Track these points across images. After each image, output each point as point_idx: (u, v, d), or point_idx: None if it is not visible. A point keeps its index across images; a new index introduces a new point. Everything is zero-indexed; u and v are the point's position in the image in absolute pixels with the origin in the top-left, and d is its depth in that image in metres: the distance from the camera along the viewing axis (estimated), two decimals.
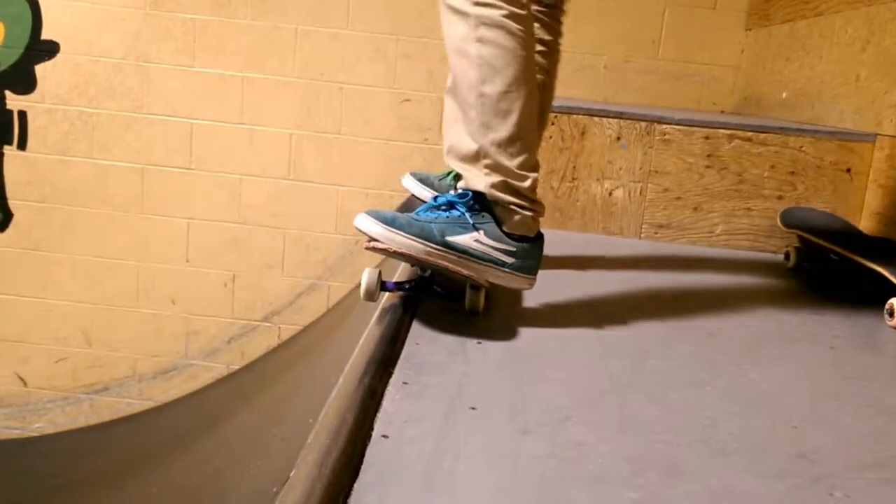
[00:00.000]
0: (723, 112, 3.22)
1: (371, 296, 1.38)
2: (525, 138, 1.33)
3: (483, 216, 1.34)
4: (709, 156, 2.25)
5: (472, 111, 1.32)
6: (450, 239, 1.31)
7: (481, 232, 1.33)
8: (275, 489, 1.12)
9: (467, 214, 1.33)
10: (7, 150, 3.40)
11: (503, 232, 1.35)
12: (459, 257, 1.32)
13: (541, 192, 2.24)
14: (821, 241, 1.95)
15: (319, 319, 3.25)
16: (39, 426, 3.41)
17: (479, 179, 1.34)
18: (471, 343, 1.33)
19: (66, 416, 3.41)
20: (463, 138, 1.35)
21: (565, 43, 3.16)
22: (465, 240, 1.32)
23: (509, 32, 1.30)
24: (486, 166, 1.33)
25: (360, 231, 1.31)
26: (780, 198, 2.25)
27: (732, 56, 3.25)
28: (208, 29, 3.30)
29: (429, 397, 1.10)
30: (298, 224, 3.36)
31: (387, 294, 1.52)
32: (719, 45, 3.25)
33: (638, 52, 3.24)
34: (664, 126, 2.25)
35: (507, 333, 1.40)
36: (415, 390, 1.13)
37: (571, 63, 3.21)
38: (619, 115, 2.27)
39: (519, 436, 1.01)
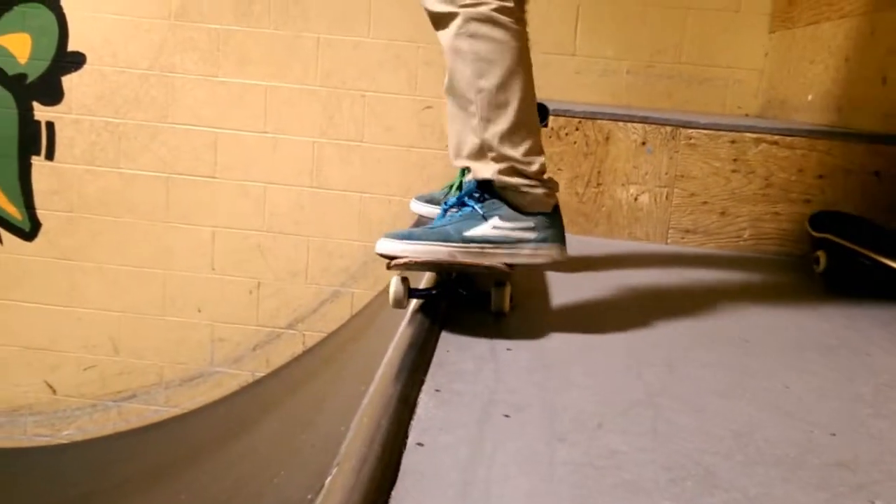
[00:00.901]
0: (747, 115, 3.19)
1: (400, 303, 1.39)
2: (527, 126, 1.35)
3: (494, 203, 1.35)
4: (735, 160, 2.23)
5: (471, 106, 1.34)
6: (467, 233, 1.32)
7: (496, 218, 1.34)
8: (309, 496, 1.12)
9: (477, 206, 1.35)
10: (35, 160, 3.45)
11: (519, 212, 1.35)
12: (482, 248, 1.32)
13: (565, 198, 2.24)
14: (851, 245, 1.92)
15: (343, 326, 3.26)
16: (68, 433, 3.44)
17: (486, 168, 1.35)
18: (501, 349, 1.33)
19: (94, 423, 3.45)
20: (466, 135, 1.37)
21: (587, 49, 3.19)
22: (483, 229, 1.33)
23: (500, 25, 1.32)
24: (493, 158, 1.34)
25: (383, 255, 1.32)
26: (807, 201, 2.23)
27: (756, 59, 3.23)
28: (232, 39, 3.33)
29: (461, 405, 1.10)
30: (321, 231, 3.38)
31: (414, 301, 1.52)
32: (742, 49, 3.22)
33: (661, 57, 3.23)
34: (690, 130, 2.24)
35: (537, 340, 1.39)
36: (447, 397, 1.13)
37: (594, 68, 3.21)
38: (644, 120, 2.26)
39: (553, 443, 1.00)
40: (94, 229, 3.45)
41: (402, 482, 0.90)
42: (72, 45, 3.40)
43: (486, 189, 1.36)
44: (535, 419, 1.07)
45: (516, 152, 1.33)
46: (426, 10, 1.37)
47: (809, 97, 2.77)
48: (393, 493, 0.88)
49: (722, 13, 3.20)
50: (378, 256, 1.32)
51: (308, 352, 3.32)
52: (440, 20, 1.34)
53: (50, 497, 2.86)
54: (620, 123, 2.27)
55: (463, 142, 1.37)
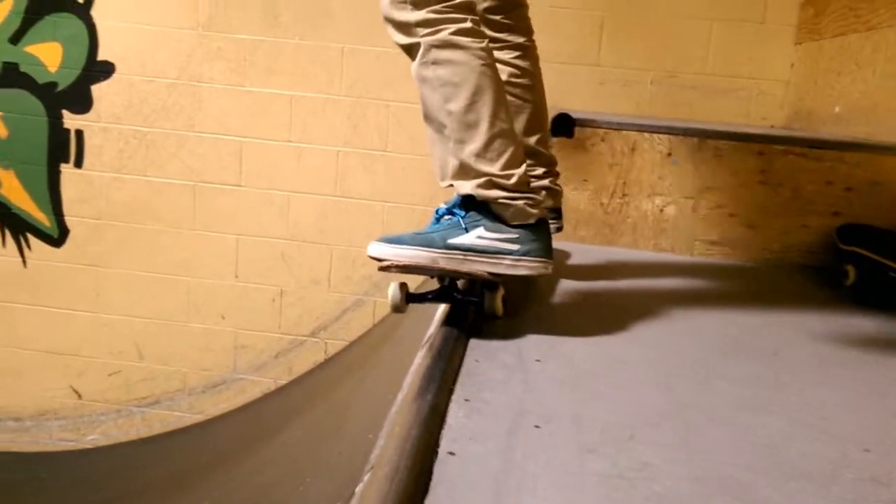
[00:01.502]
0: (772, 127, 3.17)
1: (398, 308, 1.42)
2: (501, 139, 1.37)
3: (477, 215, 1.38)
4: (762, 171, 2.22)
5: (445, 130, 1.37)
6: (451, 241, 1.36)
7: (481, 228, 1.37)
8: None
9: (464, 216, 1.38)
10: (64, 167, 3.51)
11: (502, 224, 1.38)
12: (465, 256, 1.36)
13: (590, 209, 2.24)
14: (880, 258, 1.90)
15: (366, 335, 3.27)
16: (93, 438, 3.48)
17: (466, 185, 1.38)
18: (529, 360, 1.33)
19: (118, 428, 3.48)
20: (446, 157, 1.40)
21: (611, 59, 3.19)
22: (467, 239, 1.37)
23: (460, 47, 1.35)
24: (472, 176, 1.37)
25: (372, 258, 1.36)
26: (836, 214, 2.21)
27: (782, 70, 3.21)
28: (258, 49, 3.37)
29: (491, 415, 1.10)
30: (345, 240, 3.40)
31: (441, 308, 1.53)
32: (768, 60, 3.21)
33: (685, 67, 3.22)
34: (716, 141, 2.23)
35: (564, 350, 1.39)
36: (477, 407, 1.13)
37: (617, 78, 3.21)
38: (670, 131, 2.26)
39: (584, 455, 1.00)
40: (120, 236, 3.49)
41: (435, 491, 0.91)
42: (101, 55, 3.45)
43: (469, 202, 1.39)
44: (564, 430, 1.07)
45: (493, 168, 1.36)
46: (396, 43, 1.41)
47: (837, 109, 2.75)
48: (426, 502, 0.89)
49: (747, 24, 3.19)
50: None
51: (330, 360, 3.33)
52: (409, 51, 1.39)
53: (74, 501, 2.89)
54: (646, 134, 2.26)
55: (445, 163, 1.41)
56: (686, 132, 2.26)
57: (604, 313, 1.59)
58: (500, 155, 1.37)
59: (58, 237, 3.54)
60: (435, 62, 1.35)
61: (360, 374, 2.58)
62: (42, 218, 3.53)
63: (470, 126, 1.35)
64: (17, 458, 3.34)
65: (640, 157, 2.26)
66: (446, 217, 1.41)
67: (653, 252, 2.27)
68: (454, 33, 1.34)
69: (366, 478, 1.02)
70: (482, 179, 1.36)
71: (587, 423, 1.10)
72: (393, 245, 1.35)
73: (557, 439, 1.04)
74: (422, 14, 1.34)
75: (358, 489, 1.01)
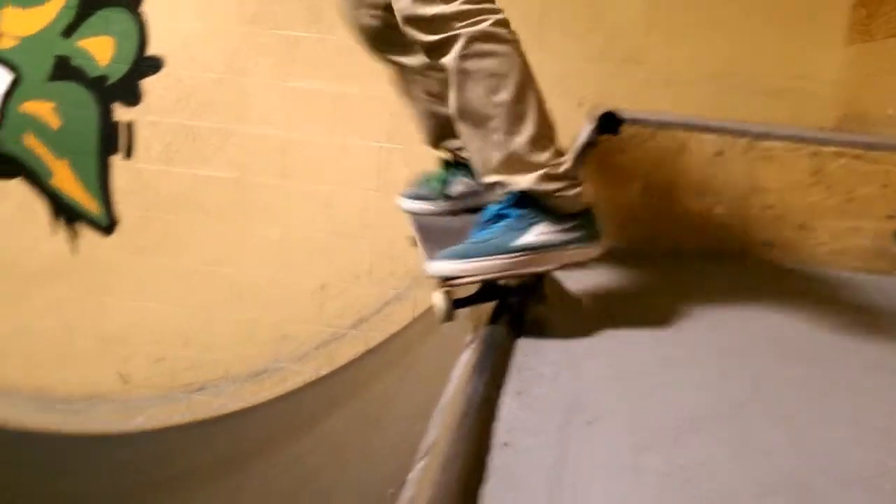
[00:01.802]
0: (822, 128, 3.11)
1: (448, 317, 1.40)
2: (547, 130, 1.37)
3: (534, 211, 1.37)
4: (815, 173, 2.18)
5: (491, 122, 1.35)
6: (516, 243, 1.35)
7: (540, 224, 1.36)
8: (391, 491, 1.14)
9: (519, 216, 1.37)
10: (114, 159, 3.59)
11: (558, 215, 1.37)
12: (534, 255, 1.36)
13: (637, 208, 2.22)
14: None
15: (406, 328, 3.29)
16: (139, 422, 3.56)
17: (521, 179, 1.36)
18: (578, 356, 1.33)
19: (164, 413, 3.55)
20: (489, 152, 1.37)
21: (659, 57, 3.16)
22: (531, 237, 1.36)
23: (501, 39, 1.35)
24: (524, 169, 1.36)
25: (439, 276, 1.36)
26: (892, 218, 2.16)
27: (832, 71, 3.14)
28: (302, 44, 3.41)
29: (543, 409, 1.11)
30: (386, 235, 3.42)
31: (490, 306, 1.54)
32: (818, 61, 3.15)
33: (734, 67, 3.17)
34: (768, 142, 2.19)
35: (614, 347, 1.39)
36: (528, 401, 1.13)
37: (662, 77, 3.18)
38: (720, 131, 2.23)
39: (638, 452, 1.00)
40: (167, 227, 3.57)
41: (491, 481, 0.92)
42: (151, 49, 3.52)
43: (524, 198, 1.37)
44: (617, 427, 1.07)
45: (544, 158, 1.35)
46: (420, 42, 1.38)
47: (890, 111, 2.68)
48: (482, 491, 0.90)
49: (797, 24, 3.13)
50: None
51: (371, 352, 3.36)
52: (438, 47, 1.36)
53: (120, 484, 2.96)
54: (695, 133, 2.24)
55: (488, 158, 1.38)
56: (736, 132, 2.22)
57: (651, 313, 1.58)
58: (548, 145, 1.37)
59: (107, 226, 3.62)
60: (478, 54, 1.33)
61: (403, 366, 2.59)
62: (93, 207, 3.62)
63: (519, 117, 1.34)
64: (66, 440, 3.43)
65: (688, 157, 2.23)
66: (493, 220, 1.39)
67: (700, 253, 2.24)
68: (494, 24, 1.34)
69: (419, 466, 1.03)
70: (539, 173, 1.35)
71: (639, 421, 1.09)
72: (461, 260, 1.34)
73: (610, 436, 1.04)
74: (457, 6, 1.33)
75: (411, 476, 1.03)
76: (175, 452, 3.14)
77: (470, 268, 1.34)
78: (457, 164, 1.99)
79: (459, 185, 1.98)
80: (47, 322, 3.65)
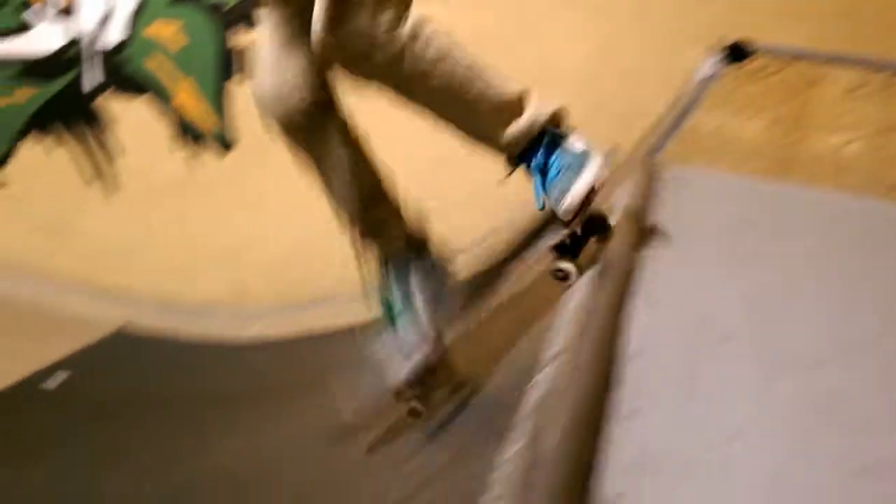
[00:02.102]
0: None
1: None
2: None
3: (552, 146, 1.36)
4: None
5: (476, 83, 1.37)
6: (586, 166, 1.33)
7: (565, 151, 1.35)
8: (516, 393, 1.18)
9: (563, 150, 1.35)
10: (234, 81, 3.71)
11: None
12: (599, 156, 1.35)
13: (762, 142, 2.14)
14: None
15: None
16: (254, 332, 3.76)
17: (542, 105, 1.37)
18: (711, 276, 1.31)
19: (277, 326, 3.74)
20: (482, 115, 1.41)
21: None
22: (581, 145, 1.34)
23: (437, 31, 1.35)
24: (518, 110, 1.37)
25: (589, 189, 1.32)
26: None
27: None
28: None
29: (676, 326, 1.12)
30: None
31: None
32: None
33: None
34: None
35: (747, 271, 1.35)
36: (662, 313, 1.15)
37: (797, 10, 2.98)
38: (856, 64, 2.11)
39: (769, 376, 1.01)
40: (283, 147, 3.67)
41: (622, 386, 0.95)
42: None
43: (538, 139, 1.36)
44: (749, 350, 1.07)
45: (518, 86, 1.38)
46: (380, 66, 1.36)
47: None
48: (610, 395, 0.93)
49: None
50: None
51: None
52: (398, 60, 1.35)
53: (231, 390, 3.13)
54: (829, 67, 2.12)
55: (488, 117, 1.41)
56: (875, 66, 2.09)
57: (776, 248, 1.53)
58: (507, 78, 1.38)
59: (226, 144, 3.78)
60: (428, 42, 1.34)
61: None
62: (213, 125, 3.78)
63: (484, 69, 1.37)
64: (180, 345, 3.65)
65: (821, 91, 2.12)
66: (542, 167, 1.36)
67: (830, 192, 2.13)
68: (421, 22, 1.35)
69: (548, 369, 1.05)
70: (532, 111, 1.36)
71: (772, 347, 1.09)
72: (578, 180, 1.30)
73: (741, 357, 1.05)
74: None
75: (540, 377, 1.06)
76: (288, 364, 3.29)
77: (589, 177, 1.32)
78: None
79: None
80: (170, 234, 3.87)
